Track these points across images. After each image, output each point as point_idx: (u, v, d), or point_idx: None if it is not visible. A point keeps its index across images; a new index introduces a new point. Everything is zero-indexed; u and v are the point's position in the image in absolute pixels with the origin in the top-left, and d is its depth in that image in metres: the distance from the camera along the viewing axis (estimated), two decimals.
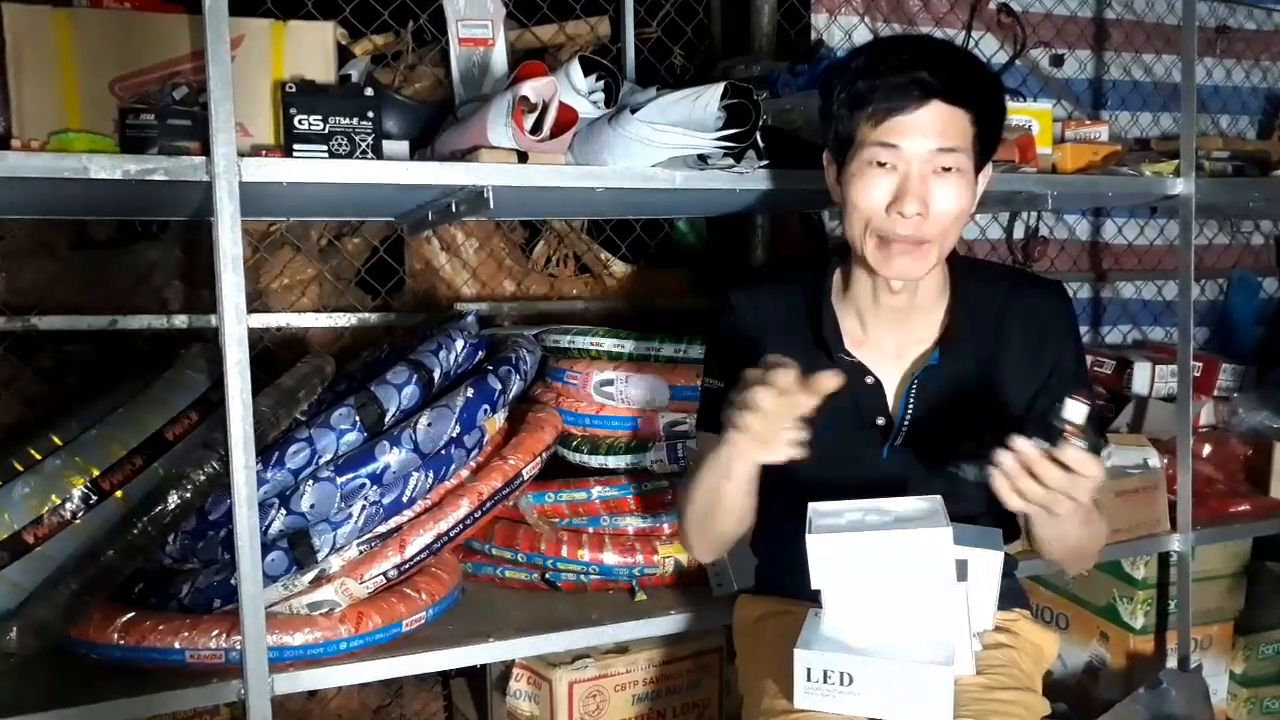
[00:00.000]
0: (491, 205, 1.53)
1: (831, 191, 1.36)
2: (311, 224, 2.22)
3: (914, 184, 1.24)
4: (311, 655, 1.53)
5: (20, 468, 1.58)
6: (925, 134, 1.24)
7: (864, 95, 1.25)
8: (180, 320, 2.08)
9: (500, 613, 1.76)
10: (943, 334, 1.37)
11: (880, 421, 1.38)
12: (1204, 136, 2.47)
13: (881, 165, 1.25)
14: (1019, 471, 1.10)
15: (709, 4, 2.52)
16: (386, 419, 1.59)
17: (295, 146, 1.47)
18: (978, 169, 1.30)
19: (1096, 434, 1.07)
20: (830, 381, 1.16)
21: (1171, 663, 2.17)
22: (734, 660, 1.58)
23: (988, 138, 1.29)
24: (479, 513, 1.68)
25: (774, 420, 1.17)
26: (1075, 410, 1.05)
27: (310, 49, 1.61)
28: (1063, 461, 1.08)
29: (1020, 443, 1.07)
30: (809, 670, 1.20)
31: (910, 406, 1.36)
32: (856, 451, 1.39)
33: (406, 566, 1.63)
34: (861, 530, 1.21)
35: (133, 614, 1.50)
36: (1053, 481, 1.09)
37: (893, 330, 1.37)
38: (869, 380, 1.37)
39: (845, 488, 1.30)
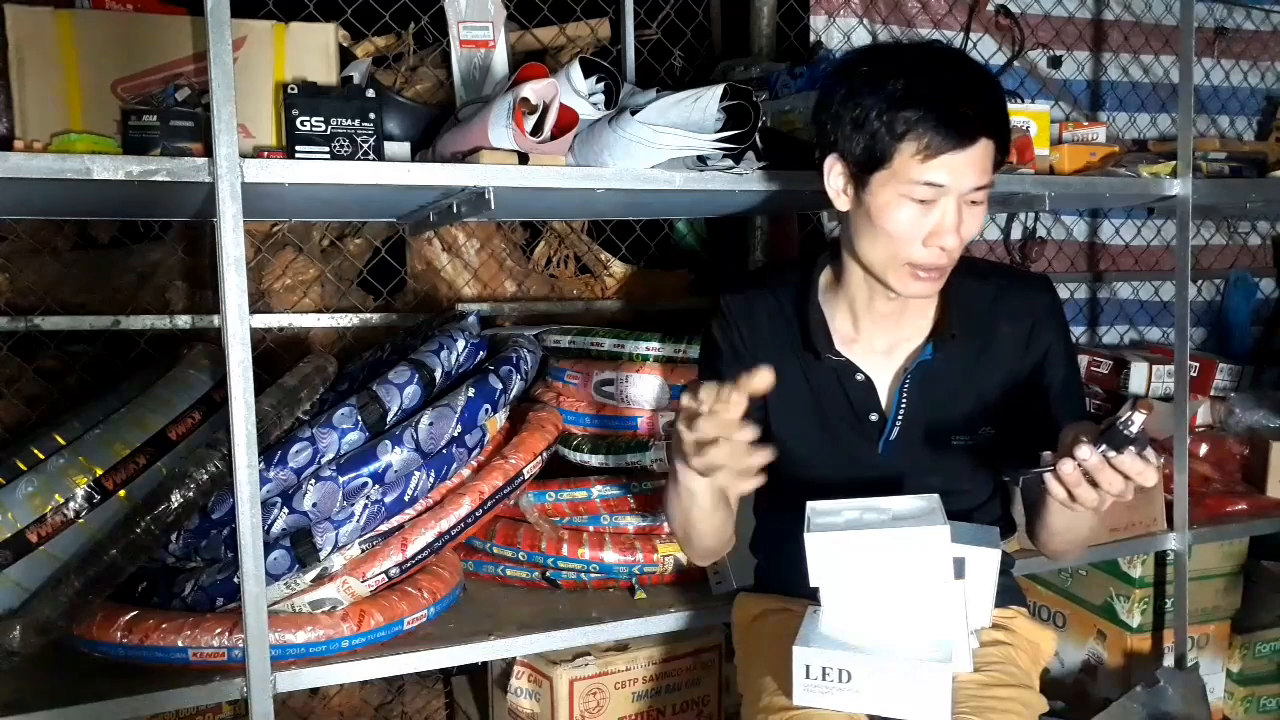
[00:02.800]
0: (492, 206, 1.54)
1: (835, 199, 1.33)
2: (313, 225, 2.23)
3: (951, 219, 1.24)
4: (314, 653, 1.54)
5: (24, 467, 1.59)
6: (971, 172, 1.23)
7: (911, 125, 1.21)
8: (183, 320, 2.08)
9: (501, 611, 1.77)
10: (934, 330, 1.38)
11: (874, 418, 1.39)
12: (1201, 138, 2.49)
13: (922, 202, 1.24)
14: (1079, 480, 1.10)
15: (709, 6, 2.53)
16: (388, 418, 1.60)
17: (297, 148, 1.48)
18: None
19: (1147, 439, 1.09)
20: (761, 381, 1.13)
21: (1168, 661, 2.18)
22: (733, 658, 1.59)
23: (1003, 158, 1.30)
24: (480, 511, 1.69)
25: (721, 446, 1.13)
26: (1139, 420, 1.07)
27: (312, 51, 1.62)
28: (1122, 470, 1.08)
29: (1085, 451, 1.07)
30: (808, 667, 1.21)
31: (904, 402, 1.37)
32: (852, 448, 1.40)
33: (408, 565, 1.63)
34: (859, 528, 1.22)
35: (136, 612, 1.51)
36: (1112, 488, 1.09)
37: (885, 328, 1.39)
38: (859, 378, 1.38)
39: (842, 484, 1.31)
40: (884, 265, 1.29)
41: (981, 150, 1.23)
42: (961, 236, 1.26)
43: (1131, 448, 1.07)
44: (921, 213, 1.25)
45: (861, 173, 1.27)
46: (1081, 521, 1.27)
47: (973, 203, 1.26)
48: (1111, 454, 1.07)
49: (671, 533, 1.50)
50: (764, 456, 1.14)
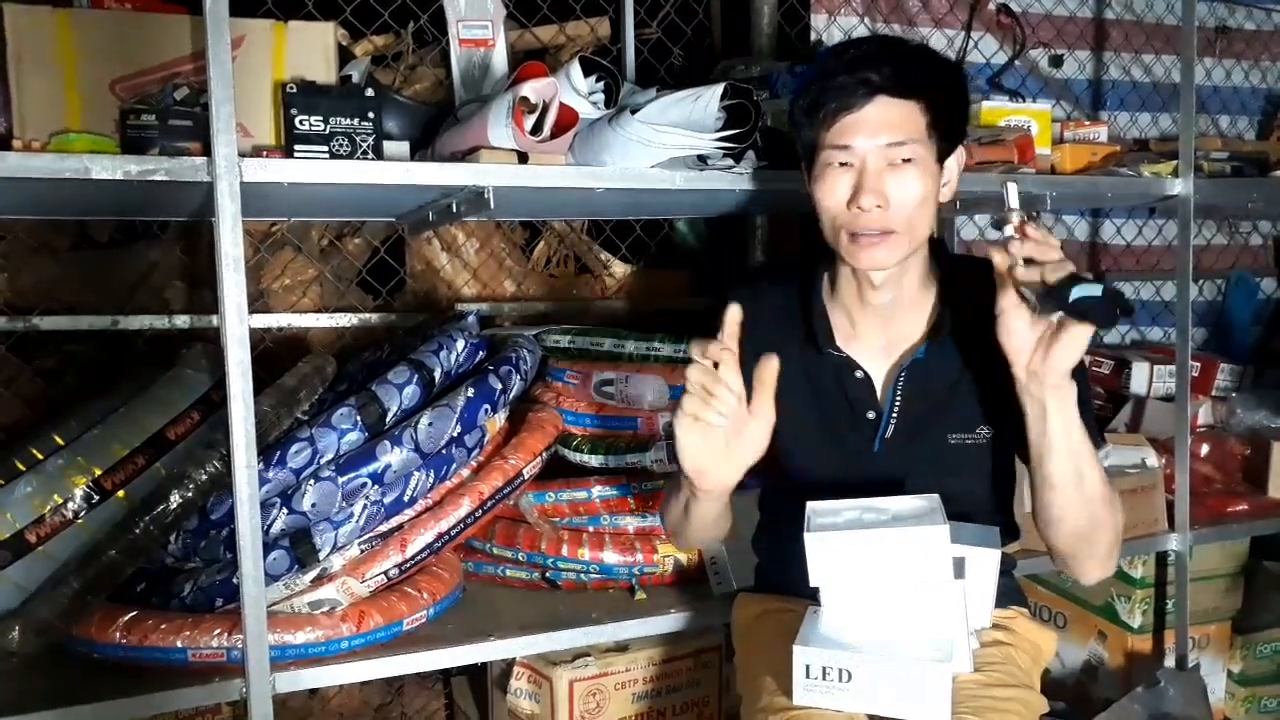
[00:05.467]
0: (492, 205, 1.53)
1: (812, 197, 1.39)
2: (312, 224, 2.22)
3: (870, 179, 1.28)
4: (313, 654, 1.54)
5: (22, 467, 1.58)
6: (873, 130, 1.27)
7: (816, 100, 1.30)
8: (181, 320, 2.08)
9: (501, 611, 1.76)
10: (930, 328, 1.38)
11: (870, 415, 1.39)
12: (1203, 137, 2.48)
13: (841, 165, 1.30)
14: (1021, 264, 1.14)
15: (709, 5, 2.53)
16: (388, 418, 1.60)
17: (296, 147, 1.47)
18: (942, 156, 1.32)
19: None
20: (769, 368, 1.22)
21: (1169, 662, 2.18)
22: (733, 658, 1.58)
23: (945, 124, 1.31)
24: (480, 512, 1.69)
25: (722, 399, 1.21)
26: (1012, 194, 1.13)
27: (311, 50, 1.62)
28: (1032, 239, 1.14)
29: (997, 257, 1.17)
30: (808, 667, 1.21)
31: (898, 399, 1.37)
32: (849, 445, 1.40)
33: (408, 565, 1.63)
34: (859, 528, 1.22)
35: (135, 613, 1.51)
36: (1042, 253, 1.13)
37: (881, 326, 1.39)
38: (858, 374, 1.38)
39: (841, 483, 1.31)
40: (833, 241, 1.34)
41: (883, 108, 1.27)
42: (889, 198, 1.28)
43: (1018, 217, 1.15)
44: (841, 177, 1.30)
45: (809, 166, 1.36)
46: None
47: (902, 161, 1.28)
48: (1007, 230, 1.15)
49: (665, 526, 1.51)
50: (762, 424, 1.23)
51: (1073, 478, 1.23)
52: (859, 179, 1.28)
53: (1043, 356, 1.16)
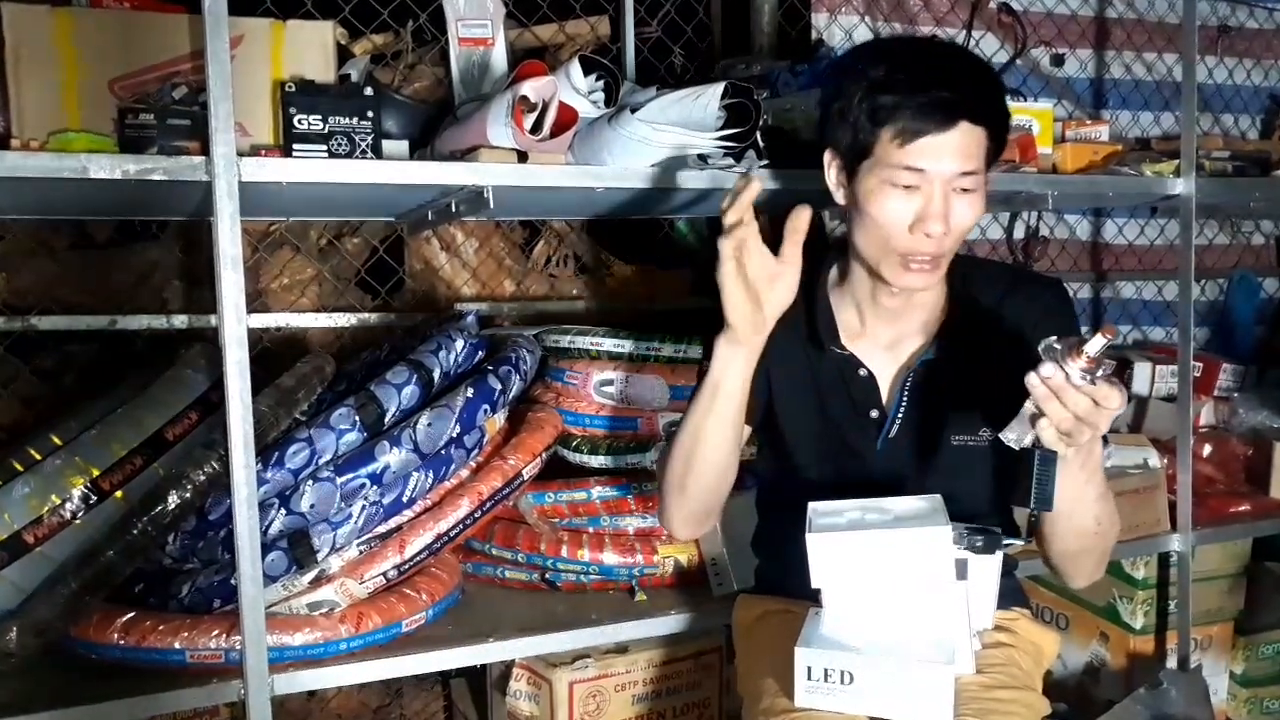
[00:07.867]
0: (491, 205, 1.53)
1: (833, 192, 1.35)
2: (311, 224, 2.22)
3: (937, 205, 1.24)
4: (311, 655, 1.53)
5: (20, 468, 1.58)
6: (951, 157, 1.23)
7: (888, 111, 1.23)
8: (180, 320, 2.08)
9: (500, 613, 1.76)
10: (939, 329, 1.37)
11: (874, 414, 1.38)
12: (1205, 136, 2.47)
13: (907, 188, 1.25)
14: (1049, 395, 1.07)
15: (709, 4, 2.52)
16: (386, 419, 1.59)
17: (295, 146, 1.47)
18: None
19: (1111, 367, 1.07)
20: (801, 216, 1.20)
21: (1171, 663, 2.17)
22: (734, 660, 1.58)
23: (998, 148, 1.30)
24: (479, 513, 1.68)
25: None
26: (1095, 344, 1.05)
27: (310, 48, 1.62)
28: (1086, 393, 1.06)
29: (1047, 369, 1.06)
30: (809, 669, 1.20)
31: (904, 399, 1.37)
32: (851, 444, 1.39)
33: (406, 566, 1.63)
34: (861, 529, 1.21)
35: (133, 614, 1.50)
36: (1078, 408, 1.06)
37: (890, 325, 1.38)
38: (862, 373, 1.38)
39: (842, 483, 1.30)
40: (876, 256, 1.30)
41: (962, 135, 1.23)
42: (951, 225, 1.25)
43: (1100, 371, 1.06)
44: (906, 199, 1.25)
45: (851, 164, 1.30)
46: (1088, 496, 1.23)
47: (963, 190, 1.25)
48: (1075, 377, 1.06)
49: (659, 494, 1.44)
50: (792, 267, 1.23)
51: (1063, 512, 1.24)
52: (926, 204, 1.24)
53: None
